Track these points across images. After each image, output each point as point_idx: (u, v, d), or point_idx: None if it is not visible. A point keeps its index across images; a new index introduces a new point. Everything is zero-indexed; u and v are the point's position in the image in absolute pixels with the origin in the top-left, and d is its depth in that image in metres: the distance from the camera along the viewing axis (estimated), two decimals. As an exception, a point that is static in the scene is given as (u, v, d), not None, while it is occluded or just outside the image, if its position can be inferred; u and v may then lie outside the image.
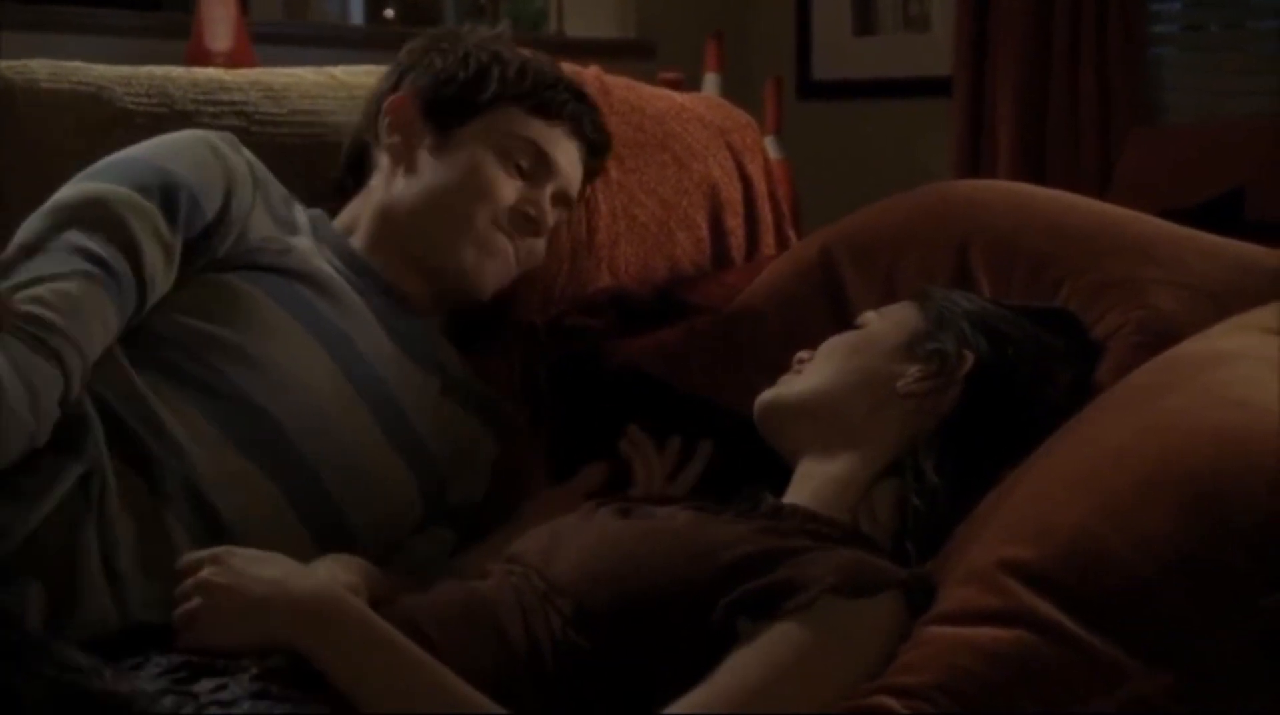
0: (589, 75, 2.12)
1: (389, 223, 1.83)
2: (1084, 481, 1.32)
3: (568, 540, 1.46)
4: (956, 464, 1.53)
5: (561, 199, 1.90)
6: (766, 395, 1.64)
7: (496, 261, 1.84)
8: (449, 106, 1.85)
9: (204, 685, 1.23)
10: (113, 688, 1.18)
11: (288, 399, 1.62)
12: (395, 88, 1.89)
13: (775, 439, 1.64)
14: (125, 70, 1.90)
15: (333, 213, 1.89)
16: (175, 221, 1.62)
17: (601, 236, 2.07)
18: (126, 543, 1.48)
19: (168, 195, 1.62)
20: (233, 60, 3.18)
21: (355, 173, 1.91)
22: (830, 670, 1.31)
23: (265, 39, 3.56)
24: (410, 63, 1.90)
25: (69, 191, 1.61)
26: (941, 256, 1.82)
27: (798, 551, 1.38)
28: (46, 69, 1.84)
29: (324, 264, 1.76)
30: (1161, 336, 1.58)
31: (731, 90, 3.60)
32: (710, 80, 4.13)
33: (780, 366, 1.68)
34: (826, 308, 1.87)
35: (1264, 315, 1.50)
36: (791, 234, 2.38)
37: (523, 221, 1.84)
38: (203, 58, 3.20)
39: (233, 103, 1.93)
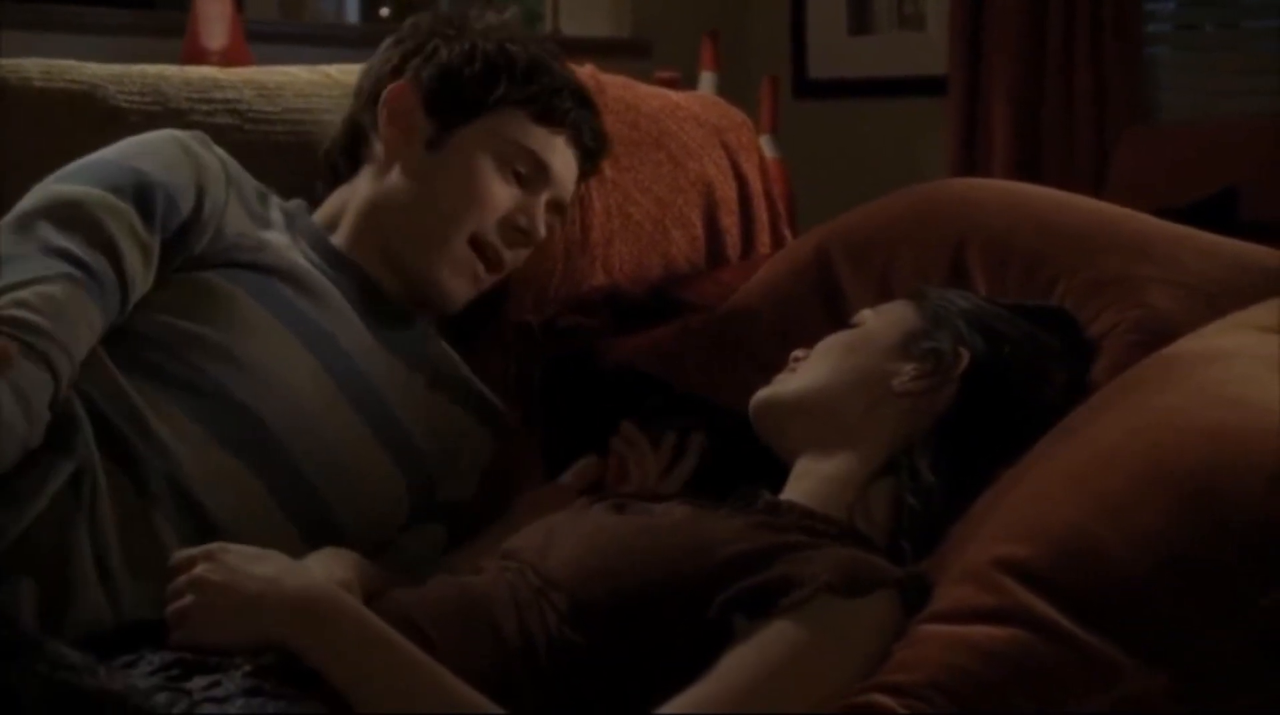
0: (584, 74, 2.12)
1: (376, 218, 1.82)
2: (1080, 480, 1.32)
3: (563, 536, 1.46)
4: (952, 463, 1.53)
5: (555, 206, 1.89)
6: (762, 394, 1.64)
7: (466, 282, 1.82)
8: (452, 103, 1.82)
9: (197, 682, 1.23)
10: (106, 685, 1.18)
11: (270, 396, 1.62)
12: (396, 72, 1.85)
13: (771, 437, 1.64)
14: (118, 69, 1.89)
15: (316, 199, 1.88)
16: (152, 221, 1.61)
17: (596, 235, 2.06)
18: (116, 541, 1.48)
19: (142, 195, 1.61)
20: (228, 58, 3.18)
21: (348, 156, 1.88)
22: (825, 668, 1.31)
23: (261, 37, 3.57)
24: (413, 46, 1.86)
25: (41, 195, 1.60)
26: (937, 255, 1.82)
27: (794, 548, 1.38)
28: (40, 68, 1.84)
29: (300, 258, 1.75)
30: (1157, 335, 1.58)
31: (727, 89, 3.60)
32: (706, 79, 4.13)
33: (776, 365, 1.68)
34: (822, 306, 1.87)
35: (1259, 313, 1.51)
36: (787, 233, 2.38)
37: (514, 233, 1.83)
38: (198, 56, 3.20)
39: (226, 101, 1.92)
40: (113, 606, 1.45)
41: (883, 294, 1.80)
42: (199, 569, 1.34)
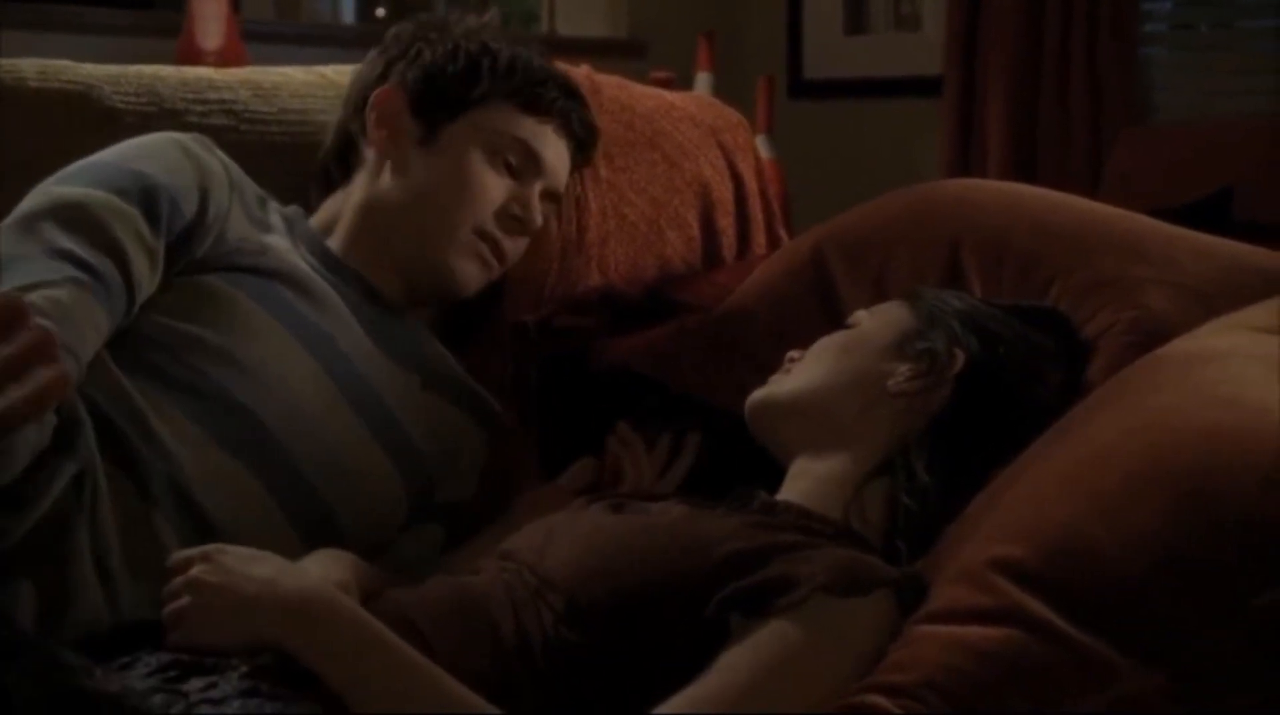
0: (580, 74, 2.12)
1: (372, 219, 1.83)
2: (1075, 480, 1.32)
3: (560, 536, 1.46)
4: (947, 463, 1.53)
5: (549, 196, 1.91)
6: (757, 394, 1.65)
7: (477, 265, 1.84)
8: (438, 102, 1.84)
9: (194, 684, 1.23)
10: (103, 686, 1.18)
11: (271, 398, 1.62)
12: (382, 78, 1.87)
13: (767, 438, 1.64)
14: (114, 69, 1.89)
15: (310, 206, 1.88)
16: (157, 225, 1.61)
17: (592, 235, 2.06)
18: (116, 542, 1.48)
19: (148, 198, 1.61)
20: (224, 59, 3.18)
21: (340, 163, 1.90)
22: (821, 669, 1.31)
23: (257, 38, 3.57)
24: (397, 52, 1.89)
25: (43, 197, 1.59)
26: (932, 255, 1.82)
27: (790, 548, 1.38)
28: (35, 68, 1.83)
29: (300, 262, 1.75)
30: (1152, 335, 1.58)
31: (723, 89, 3.60)
32: (702, 79, 4.13)
33: (771, 365, 1.68)
34: (817, 307, 1.87)
35: (1254, 314, 1.51)
36: (783, 233, 2.38)
37: (510, 221, 1.85)
38: (194, 56, 3.20)
39: (222, 101, 1.92)
40: (111, 608, 1.45)
41: (878, 294, 1.80)
42: (196, 570, 1.34)
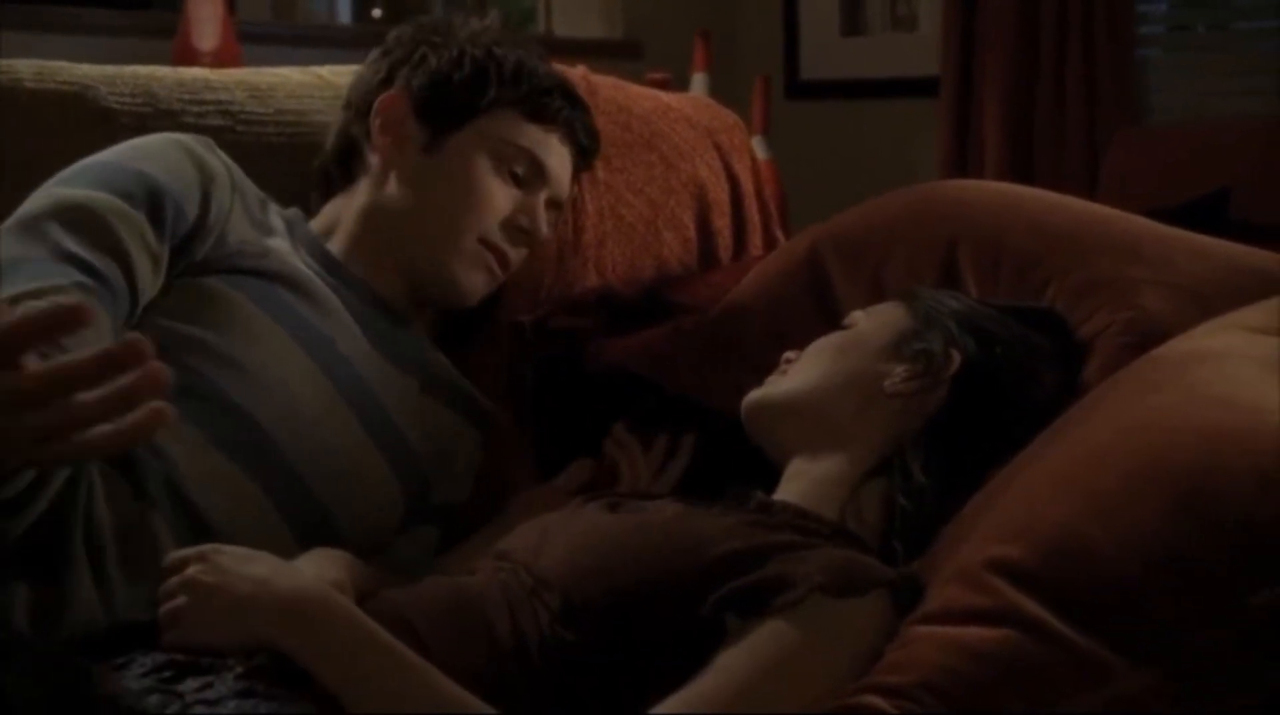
0: (576, 75, 2.12)
1: (375, 225, 1.83)
2: (1071, 480, 1.32)
3: (556, 535, 1.46)
4: (943, 464, 1.53)
5: (553, 204, 1.91)
6: (754, 395, 1.65)
7: (482, 275, 1.84)
8: (444, 109, 1.84)
9: (189, 684, 1.23)
10: (98, 687, 1.18)
11: (269, 400, 1.61)
12: (386, 83, 1.87)
13: (763, 439, 1.64)
14: (110, 70, 1.89)
15: (309, 209, 1.88)
16: (161, 227, 1.61)
17: (588, 236, 2.06)
18: (112, 544, 1.47)
19: (152, 200, 1.61)
20: (219, 59, 3.18)
21: (341, 166, 1.89)
22: (818, 669, 1.30)
23: (252, 38, 3.56)
24: (400, 55, 1.88)
25: (47, 198, 1.58)
26: (929, 256, 1.82)
27: (787, 547, 1.38)
28: (31, 69, 1.83)
29: (301, 264, 1.75)
30: (1148, 336, 1.58)
31: (719, 90, 3.60)
32: (698, 80, 4.13)
33: (767, 366, 1.68)
34: (814, 307, 1.87)
35: (1250, 314, 1.51)
36: (779, 234, 2.38)
37: (516, 232, 1.85)
38: (189, 57, 3.20)
39: (218, 102, 1.92)
40: (107, 608, 1.45)
41: (875, 295, 1.80)
42: (191, 570, 1.34)
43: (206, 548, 1.37)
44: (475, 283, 1.84)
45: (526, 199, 1.85)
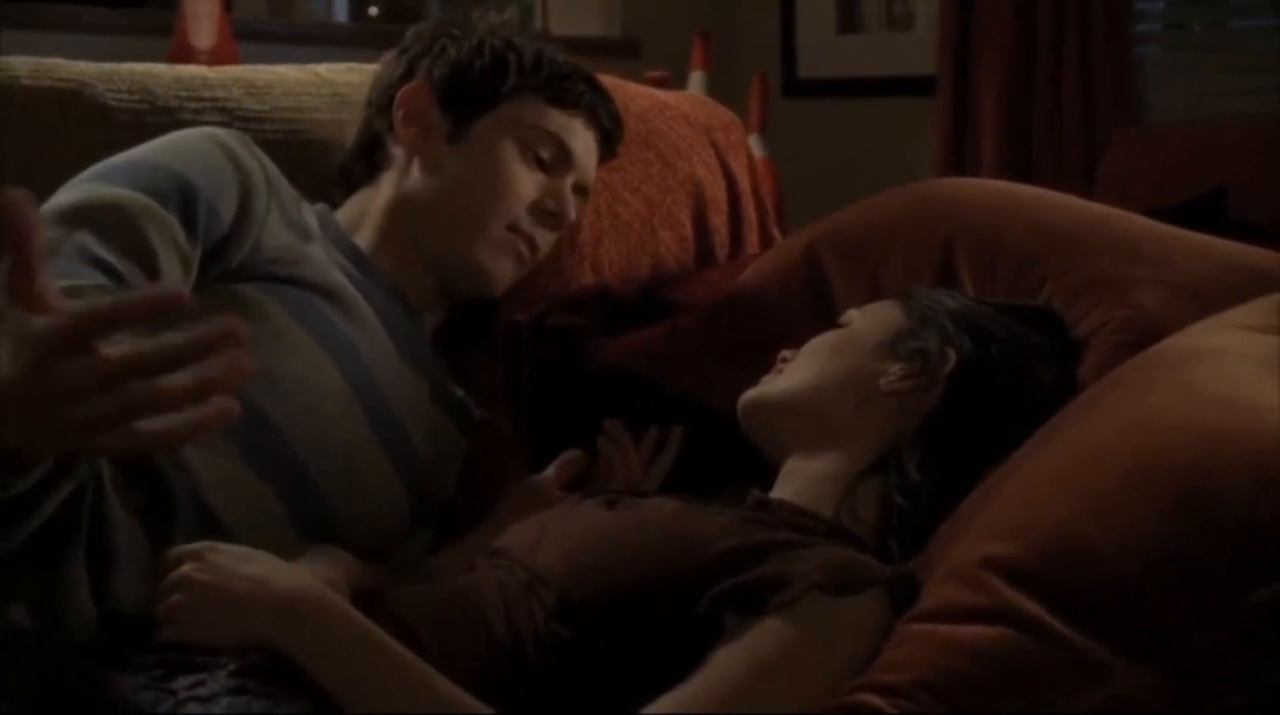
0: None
1: (402, 217, 1.82)
2: (1068, 479, 1.32)
3: (552, 532, 1.46)
4: (940, 462, 1.53)
5: (580, 189, 1.90)
6: (750, 394, 1.65)
7: (511, 262, 1.84)
8: (467, 97, 1.84)
9: (182, 682, 1.23)
10: (92, 684, 1.17)
11: (293, 410, 1.59)
12: (406, 76, 1.87)
13: (759, 437, 1.64)
14: (107, 67, 1.89)
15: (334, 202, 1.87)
16: (194, 231, 1.58)
17: (585, 234, 2.06)
18: (125, 547, 1.45)
19: (185, 203, 1.58)
20: (216, 58, 3.17)
21: (364, 163, 1.89)
22: (814, 668, 1.30)
23: (249, 37, 3.56)
24: (420, 50, 1.88)
25: (80, 194, 1.56)
26: (926, 255, 1.82)
27: (785, 545, 1.38)
28: (27, 66, 1.83)
29: (336, 270, 1.73)
30: (1145, 334, 1.58)
31: (716, 88, 3.60)
32: (695, 78, 4.13)
33: (764, 365, 1.68)
34: (811, 306, 1.87)
35: (1246, 312, 1.51)
36: (776, 232, 2.38)
37: (544, 215, 1.85)
38: (186, 55, 3.19)
39: (215, 99, 1.92)
40: (101, 609, 1.43)
41: (872, 293, 1.80)
42: (187, 568, 1.33)
43: (203, 545, 1.36)
44: (504, 270, 1.84)
45: (552, 183, 1.85)
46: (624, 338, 1.98)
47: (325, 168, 1.93)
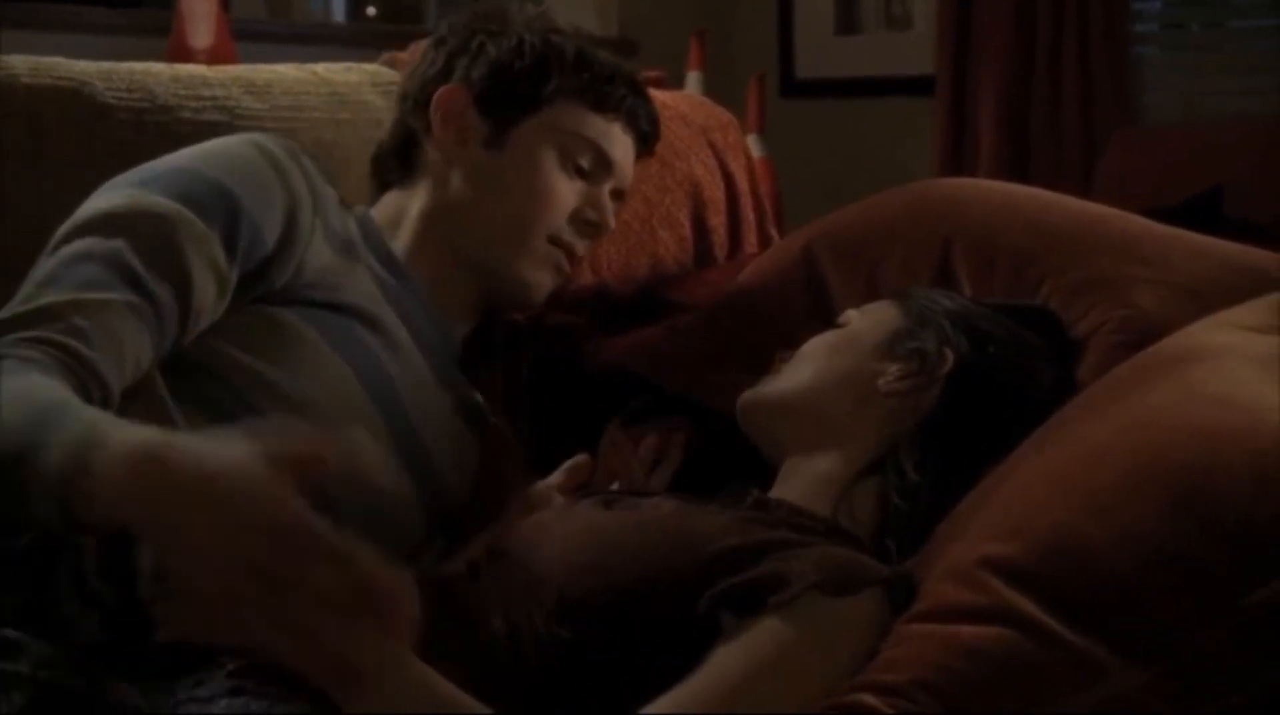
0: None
1: (441, 227, 1.80)
2: (1066, 479, 1.32)
3: (551, 533, 1.46)
4: (938, 462, 1.53)
5: (617, 194, 1.88)
6: (748, 394, 1.65)
7: (550, 274, 1.83)
8: (506, 100, 1.81)
9: (180, 682, 1.23)
10: (90, 685, 1.17)
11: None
12: (443, 74, 1.83)
13: (757, 437, 1.64)
14: (106, 66, 1.89)
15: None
16: (234, 252, 1.54)
17: (584, 234, 2.06)
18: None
19: (229, 221, 1.54)
20: (214, 57, 3.17)
21: (400, 158, 1.86)
22: (813, 668, 1.30)
23: (247, 36, 3.56)
24: (457, 45, 1.84)
25: (121, 198, 1.52)
26: (924, 255, 1.82)
27: (784, 545, 1.38)
28: (27, 65, 1.83)
29: (376, 291, 1.70)
30: (1143, 334, 1.58)
31: (714, 88, 3.60)
32: (693, 78, 4.13)
33: (762, 365, 1.68)
34: (809, 306, 1.87)
35: (1244, 312, 1.51)
36: (774, 232, 2.38)
37: (585, 225, 1.83)
38: (184, 55, 3.19)
39: (215, 98, 1.92)
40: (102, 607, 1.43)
41: (870, 293, 1.80)
42: None
43: None
44: (544, 282, 1.83)
45: (591, 190, 1.83)
46: (622, 337, 1.98)
47: (324, 167, 1.92)
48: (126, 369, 1.44)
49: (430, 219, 1.81)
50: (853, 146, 4.63)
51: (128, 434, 1.19)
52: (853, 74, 4.76)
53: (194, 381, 1.53)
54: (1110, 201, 1.94)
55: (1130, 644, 1.19)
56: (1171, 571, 1.20)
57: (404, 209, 1.83)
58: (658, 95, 2.33)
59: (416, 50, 2.17)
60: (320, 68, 2.08)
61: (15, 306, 1.44)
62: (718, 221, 2.27)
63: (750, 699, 1.28)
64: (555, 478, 1.79)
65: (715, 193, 2.27)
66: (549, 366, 1.96)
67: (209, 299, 1.53)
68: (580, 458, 1.78)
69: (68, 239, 1.50)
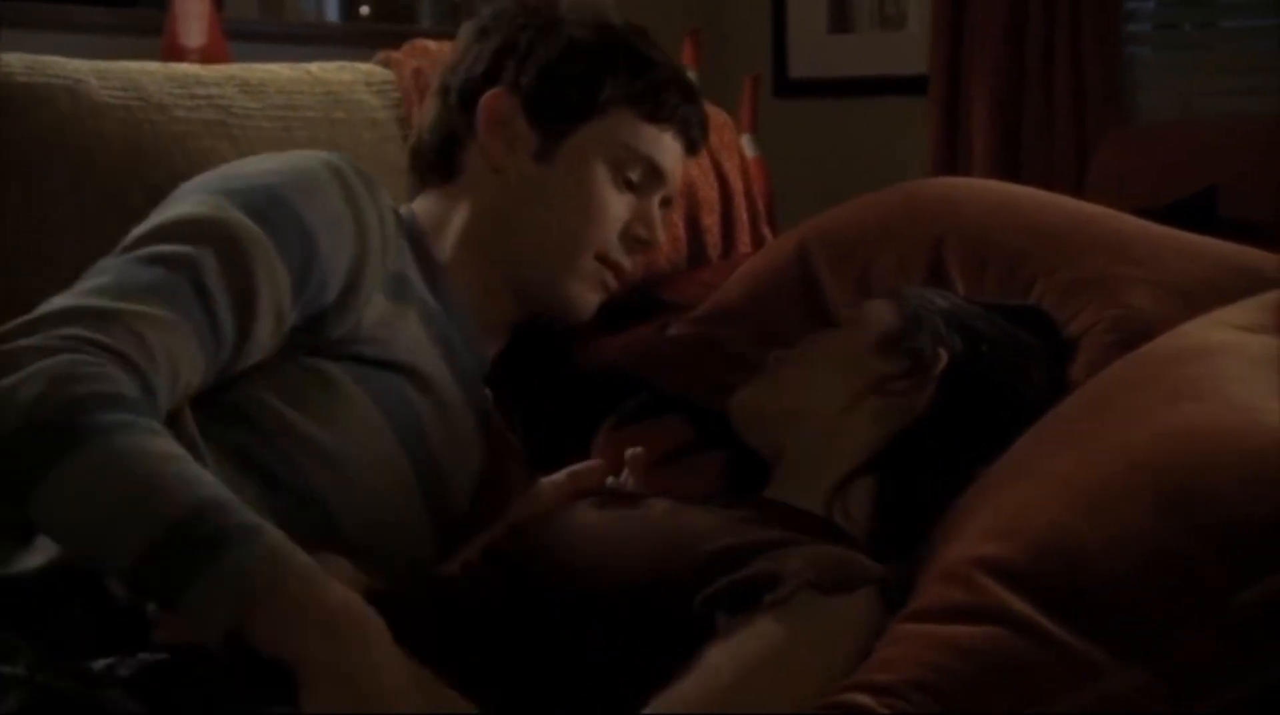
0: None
1: (485, 239, 1.75)
2: (1059, 479, 1.33)
3: (546, 532, 1.46)
4: (931, 462, 1.53)
5: (665, 202, 1.84)
6: (742, 394, 1.65)
7: (597, 292, 1.79)
8: (557, 110, 1.74)
9: (175, 683, 1.23)
10: (84, 687, 1.17)
11: (350, 493, 1.53)
12: (491, 77, 1.76)
13: (751, 437, 1.64)
14: (101, 64, 1.88)
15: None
16: (299, 298, 1.49)
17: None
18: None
19: (304, 266, 1.49)
20: (207, 57, 3.17)
21: (441, 157, 1.79)
22: (807, 666, 1.30)
23: (240, 36, 3.55)
24: (503, 43, 1.77)
25: (209, 206, 1.48)
26: (917, 254, 1.82)
27: (777, 544, 1.38)
28: (22, 63, 1.82)
29: (424, 335, 1.64)
30: (1136, 334, 1.58)
31: (708, 88, 3.58)
32: (687, 78, 4.12)
33: (756, 364, 1.68)
34: (802, 305, 1.87)
35: (1236, 312, 1.51)
36: (768, 232, 2.38)
37: (634, 242, 1.79)
38: (177, 54, 3.19)
39: (209, 97, 1.92)
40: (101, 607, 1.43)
41: (863, 293, 1.80)
42: None
43: None
44: (590, 301, 1.79)
45: (641, 204, 1.78)
46: (616, 337, 1.98)
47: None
48: (176, 395, 1.41)
49: (474, 229, 1.75)
50: (846, 146, 4.62)
51: (332, 584, 1.24)
52: (846, 74, 4.76)
53: (227, 424, 1.49)
54: (1103, 201, 1.95)
55: (1124, 643, 1.20)
56: (1165, 571, 1.20)
57: (446, 217, 1.77)
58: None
59: (412, 50, 2.18)
60: (314, 67, 2.08)
61: (88, 295, 1.39)
62: (711, 221, 2.27)
63: (745, 698, 1.29)
64: (559, 478, 1.78)
65: (709, 192, 2.27)
66: (543, 366, 1.96)
67: (265, 336, 1.48)
68: (592, 463, 1.73)
69: (148, 240, 1.46)
